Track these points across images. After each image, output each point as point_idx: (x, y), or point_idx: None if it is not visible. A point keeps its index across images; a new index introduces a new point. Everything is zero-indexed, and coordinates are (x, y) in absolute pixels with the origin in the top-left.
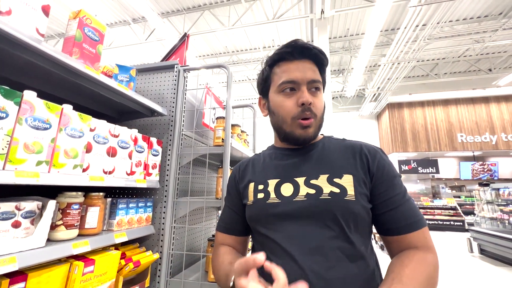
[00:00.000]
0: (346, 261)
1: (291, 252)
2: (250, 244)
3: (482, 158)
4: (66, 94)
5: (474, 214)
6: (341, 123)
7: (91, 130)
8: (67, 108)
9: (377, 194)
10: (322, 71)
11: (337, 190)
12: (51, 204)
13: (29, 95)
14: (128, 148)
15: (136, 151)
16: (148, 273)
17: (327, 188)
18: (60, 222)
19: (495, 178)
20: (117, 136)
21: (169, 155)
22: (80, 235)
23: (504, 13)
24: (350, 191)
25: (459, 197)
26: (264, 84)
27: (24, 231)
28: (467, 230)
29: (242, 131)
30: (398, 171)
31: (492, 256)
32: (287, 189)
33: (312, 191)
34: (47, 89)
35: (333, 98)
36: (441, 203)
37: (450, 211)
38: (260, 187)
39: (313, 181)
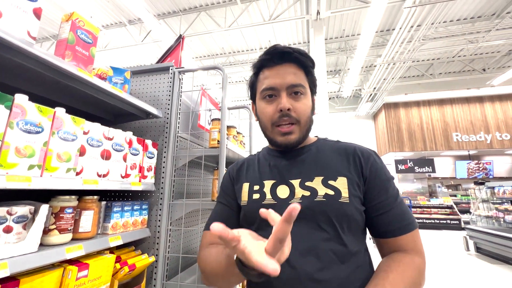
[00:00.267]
0: (339, 263)
1: None
2: None
3: (477, 157)
4: (59, 97)
5: (470, 213)
6: (338, 123)
7: (85, 133)
8: (60, 111)
9: (370, 197)
10: (308, 73)
11: (331, 192)
12: (44, 208)
13: (21, 99)
14: (123, 151)
15: (131, 153)
16: (144, 276)
17: (322, 190)
18: (53, 226)
19: (490, 176)
20: (111, 139)
21: (164, 157)
22: (74, 239)
23: (497, 13)
24: (344, 193)
25: (455, 195)
26: (251, 91)
27: (16, 236)
28: (463, 229)
29: (238, 133)
30: (395, 170)
31: (488, 254)
32: (283, 191)
33: (307, 193)
34: (40, 92)
35: (329, 99)
36: (438, 202)
37: (446, 209)
38: (256, 187)
39: (308, 183)
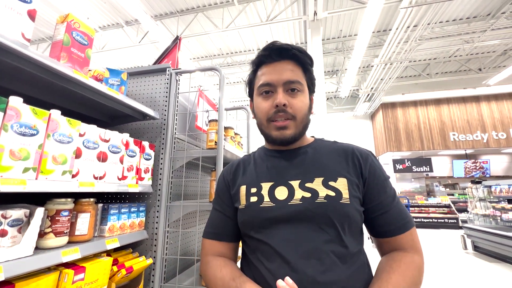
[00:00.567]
0: (340, 265)
1: (285, 256)
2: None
3: (474, 156)
4: (55, 99)
5: (468, 212)
6: (335, 123)
7: (81, 135)
8: (55, 113)
9: (370, 198)
10: (306, 71)
11: (332, 194)
12: (39, 211)
13: (15, 101)
14: (120, 153)
15: (128, 155)
16: (142, 279)
17: (323, 192)
18: (49, 229)
19: (487, 175)
20: (107, 141)
21: (161, 158)
22: (70, 242)
23: (492, 14)
24: (345, 194)
25: (453, 194)
26: (249, 87)
27: (11, 240)
28: (461, 228)
29: (235, 134)
30: (392, 170)
31: (485, 253)
32: (281, 193)
33: (308, 195)
34: (35, 94)
35: (327, 99)
36: (435, 201)
37: (444, 209)
38: (253, 190)
39: (308, 184)
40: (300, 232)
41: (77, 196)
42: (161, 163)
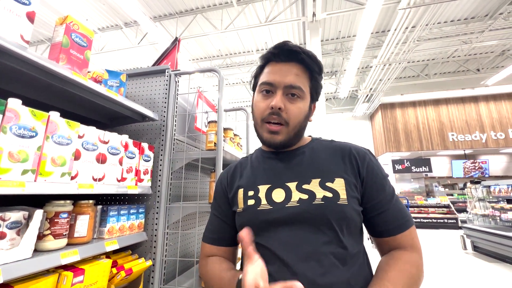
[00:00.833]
0: (340, 266)
1: (284, 259)
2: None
3: (473, 156)
4: (54, 100)
5: (467, 212)
6: (335, 124)
7: (80, 137)
8: (54, 115)
9: (368, 197)
10: (312, 78)
11: (329, 195)
12: (38, 213)
13: (14, 103)
14: (119, 154)
15: (127, 157)
16: (141, 281)
17: (320, 193)
18: (48, 231)
19: (486, 175)
20: (106, 143)
21: (161, 160)
22: (69, 245)
23: (490, 14)
24: (343, 195)
25: (452, 195)
26: (254, 81)
27: (9, 243)
28: (460, 228)
29: (235, 135)
30: (392, 170)
31: (485, 253)
32: (278, 195)
33: (305, 196)
34: (34, 96)
35: (326, 100)
36: (435, 201)
37: (443, 209)
38: (250, 193)
39: (305, 186)
40: (298, 235)
41: (76, 198)
42: (161, 165)
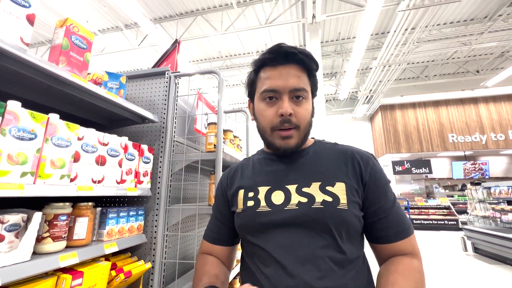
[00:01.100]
0: (337, 271)
1: (281, 262)
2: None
3: (473, 158)
4: (54, 102)
5: (467, 213)
6: (335, 125)
7: (79, 139)
8: (54, 117)
9: (370, 202)
10: (310, 76)
11: (329, 199)
12: (37, 216)
13: (13, 105)
14: (118, 156)
15: (127, 159)
16: (140, 283)
17: (320, 197)
18: (47, 234)
19: (486, 177)
20: (106, 145)
21: (160, 162)
22: (68, 247)
23: (489, 16)
24: (343, 199)
25: (452, 196)
26: (250, 88)
27: (8, 245)
28: (461, 229)
29: (235, 136)
30: (392, 172)
31: (485, 254)
32: (278, 197)
33: (304, 200)
34: (34, 98)
35: (326, 101)
36: (435, 202)
37: (444, 210)
38: (250, 194)
39: (305, 189)
40: (296, 237)
41: (75, 200)
42: (160, 166)
